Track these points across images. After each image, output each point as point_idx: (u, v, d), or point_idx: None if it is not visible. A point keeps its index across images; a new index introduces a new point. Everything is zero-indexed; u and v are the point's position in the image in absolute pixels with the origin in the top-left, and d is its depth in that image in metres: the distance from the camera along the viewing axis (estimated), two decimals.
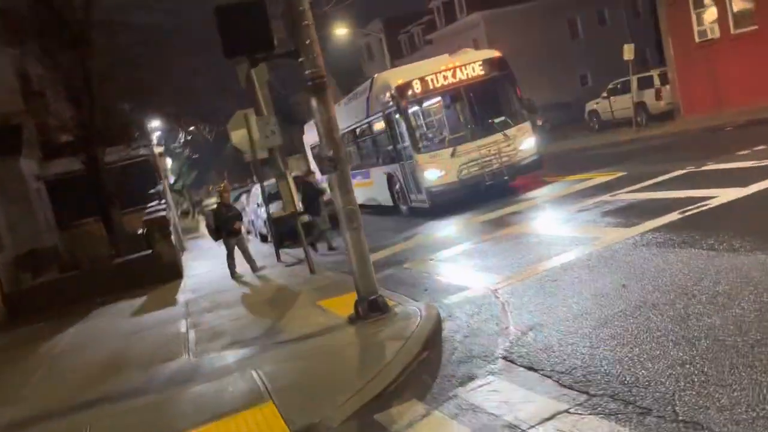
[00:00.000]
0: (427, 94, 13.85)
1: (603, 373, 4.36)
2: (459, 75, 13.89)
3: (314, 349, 6.51)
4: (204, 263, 17.53)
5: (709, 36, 20.47)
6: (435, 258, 10.08)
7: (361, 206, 17.69)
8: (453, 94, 14.23)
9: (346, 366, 5.82)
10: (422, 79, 13.80)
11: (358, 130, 17.96)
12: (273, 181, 20.98)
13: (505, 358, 5.19)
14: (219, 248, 22.45)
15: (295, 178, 13.71)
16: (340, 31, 40.24)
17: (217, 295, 11.39)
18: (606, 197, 10.83)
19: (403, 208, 15.75)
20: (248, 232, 24.22)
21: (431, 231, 12.77)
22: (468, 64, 13.98)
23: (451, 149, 13.72)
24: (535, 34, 40.00)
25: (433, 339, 6.03)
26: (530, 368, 4.83)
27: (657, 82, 24.46)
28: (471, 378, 4.97)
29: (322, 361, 6.12)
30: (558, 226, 9.96)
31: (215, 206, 14.26)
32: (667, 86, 23.45)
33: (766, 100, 18.36)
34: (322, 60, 6.72)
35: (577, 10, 43.37)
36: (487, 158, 13.68)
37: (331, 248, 13.68)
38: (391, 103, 14.14)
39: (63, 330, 11.15)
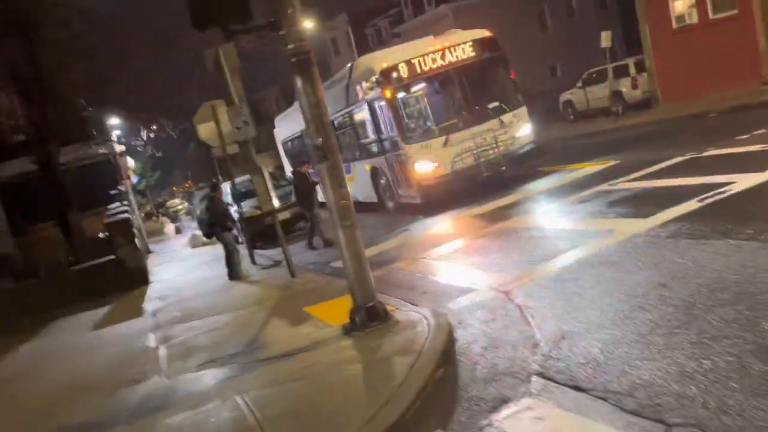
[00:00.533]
0: (415, 78, 12.96)
1: (675, 394, 3.60)
2: (448, 57, 13.04)
3: (307, 368, 5.62)
4: (172, 267, 16.43)
5: (687, 21, 20.10)
6: (429, 256, 9.27)
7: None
8: (443, 78, 13.35)
9: (348, 388, 4.96)
10: (409, 63, 12.92)
11: (336, 122, 16.97)
12: (243, 178, 20.08)
13: (540, 374, 4.40)
14: (186, 251, 21.46)
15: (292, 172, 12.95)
16: (306, 24, 39.05)
17: (188, 302, 10.39)
18: (604, 186, 10.18)
19: (390, 204, 14.87)
20: None
21: (422, 227, 11.96)
22: (458, 45, 13.15)
23: (443, 138, 12.86)
24: (505, 26, 39.38)
25: (448, 352, 5.21)
26: (576, 387, 4.05)
27: (633, 70, 24.07)
28: (504, 401, 4.17)
29: (318, 382, 5.24)
30: (561, 218, 9.24)
31: (208, 200, 13.09)
32: (644, 74, 23.07)
33: (746, 85, 18.06)
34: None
35: (545, 1, 43.12)
36: (483, 147, 12.88)
37: (328, 244, 12.73)
38: (375, 90, 13.24)
39: (16, 347, 10.02)
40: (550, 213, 9.86)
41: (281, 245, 10.43)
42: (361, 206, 16.47)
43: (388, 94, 12.77)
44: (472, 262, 8.27)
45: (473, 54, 13.24)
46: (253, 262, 13.67)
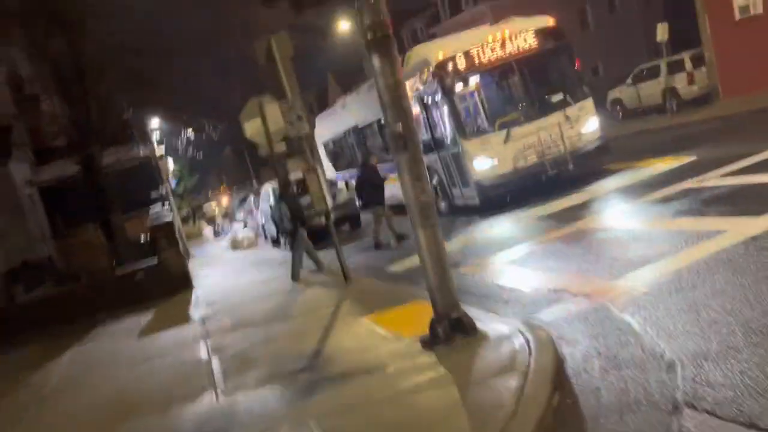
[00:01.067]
0: (473, 69, 12.17)
1: None
2: (509, 47, 12.24)
3: (388, 388, 4.89)
4: (214, 271, 15.93)
5: (752, 12, 18.89)
6: (497, 261, 8.48)
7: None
8: (503, 70, 12.53)
9: (445, 417, 4.20)
10: (467, 53, 12.15)
11: (383, 121, 16.35)
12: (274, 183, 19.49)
13: (691, 405, 3.58)
14: (228, 254, 21.01)
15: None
16: (344, 24, 38.74)
17: (238, 308, 9.78)
18: (690, 184, 9.25)
19: (442, 205, 14.08)
20: (257, 236, 22.66)
21: (482, 230, 11.18)
22: (518, 34, 12.33)
23: (504, 133, 12.05)
24: None
25: (559, 374, 4.43)
26: (750, 425, 3.23)
27: (689, 65, 22.88)
28: None
29: (407, 407, 4.49)
30: (648, 218, 8.33)
31: (282, 198, 12.34)
32: (702, 69, 21.88)
33: None
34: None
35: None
36: (548, 143, 12.03)
37: (400, 238, 12.12)
38: (429, 83, 12.51)
39: (58, 355, 9.52)
40: (632, 212, 8.96)
41: (335, 247, 9.71)
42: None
43: (444, 86, 12.02)
44: (551, 267, 7.45)
45: (535, 43, 12.42)
46: (301, 265, 13.02)
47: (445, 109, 12.49)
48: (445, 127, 12.79)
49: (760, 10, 18.55)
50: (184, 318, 10.03)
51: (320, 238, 17.36)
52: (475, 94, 12.99)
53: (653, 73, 23.90)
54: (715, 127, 15.72)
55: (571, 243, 8.19)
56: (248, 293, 11.00)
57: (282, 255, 16.66)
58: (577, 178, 12.40)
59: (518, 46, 12.32)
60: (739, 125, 14.92)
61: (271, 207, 18.20)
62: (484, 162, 12.14)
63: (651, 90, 23.87)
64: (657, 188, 9.64)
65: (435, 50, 12.60)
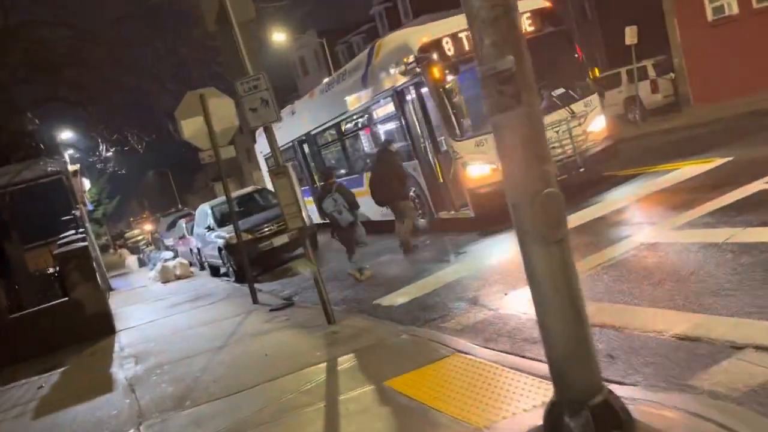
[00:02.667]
0: (464, 57, 10.10)
1: None
2: None
3: None
4: (143, 309, 13.00)
5: (726, 13, 17.92)
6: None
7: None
8: None
9: None
10: (455, 37, 10.08)
11: (344, 126, 14.03)
12: (220, 200, 16.74)
13: None
14: (156, 287, 17.86)
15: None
16: (278, 36, 36.35)
17: (182, 366, 7.08)
18: (761, 183, 7.41)
19: (421, 222, 11.88)
20: (191, 264, 19.71)
21: (480, 251, 9.01)
22: None
23: None
24: None
25: None
26: None
27: (651, 73, 21.88)
28: None
29: None
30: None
31: (329, 190, 9.92)
32: (668, 76, 20.88)
33: None
34: None
35: None
36: (554, 143, 10.06)
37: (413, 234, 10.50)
38: (410, 74, 10.33)
39: None
40: (692, 227, 6.93)
41: (317, 279, 7.22)
42: (375, 226, 13.51)
43: (430, 76, 9.86)
44: (637, 296, 5.33)
45: (532, 27, 10.50)
46: (255, 301, 10.43)
47: (431, 105, 10.34)
48: (430, 128, 10.64)
49: (735, 10, 17.57)
50: (105, 382, 7.23)
51: (266, 265, 14.87)
52: (467, 86, 10.93)
53: (614, 82, 22.85)
54: (699, 134, 14.33)
55: (640, 266, 6.12)
56: (193, 341, 8.31)
57: (224, 286, 13.96)
58: (581, 186, 10.51)
59: None
60: (738, 128, 13.53)
61: (209, 228, 15.47)
62: (481, 168, 10.03)
63: (612, 100, 22.73)
64: (702, 195, 7.74)
65: (416, 34, 10.46)
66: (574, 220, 8.78)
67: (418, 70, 10.08)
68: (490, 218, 10.14)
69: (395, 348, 5.71)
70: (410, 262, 10.01)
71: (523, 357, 4.63)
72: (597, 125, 10.78)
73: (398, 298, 7.87)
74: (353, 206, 9.73)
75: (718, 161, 9.57)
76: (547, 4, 10.92)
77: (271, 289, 12.29)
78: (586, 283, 5.92)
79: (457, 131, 10.11)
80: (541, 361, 4.36)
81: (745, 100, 17.24)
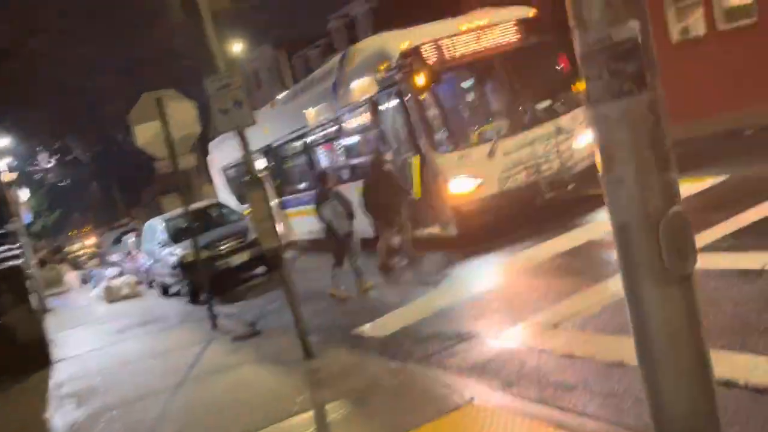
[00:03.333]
0: (446, 64, 9.42)
1: None
2: (487, 40, 9.64)
3: None
4: (85, 334, 11.74)
5: (691, 34, 17.93)
6: (561, 323, 5.54)
7: (302, 242, 12.63)
8: (481, 67, 9.93)
9: None
10: (437, 44, 9.38)
11: (310, 137, 13.14)
12: (176, 212, 15.52)
13: None
14: (102, 308, 16.39)
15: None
16: (236, 47, 35.30)
17: (137, 410, 6.02)
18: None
19: (395, 240, 11.06)
20: (139, 283, 18.34)
21: (467, 274, 8.28)
22: (497, 26, 9.78)
23: (487, 146, 9.32)
24: None
25: None
26: None
27: None
28: None
29: None
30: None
31: (332, 195, 9.22)
32: None
33: (763, 101, 15.89)
34: None
35: None
36: (542, 158, 9.45)
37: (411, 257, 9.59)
38: (388, 81, 9.59)
39: None
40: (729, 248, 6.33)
41: (293, 307, 6.29)
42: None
43: (412, 84, 9.11)
44: None
45: (518, 37, 9.91)
46: (215, 326, 9.40)
47: (411, 115, 9.60)
48: (410, 139, 9.89)
49: (701, 31, 17.58)
50: (39, 429, 6.09)
51: (222, 285, 13.71)
52: (450, 96, 10.29)
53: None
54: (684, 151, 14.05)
55: None
56: (146, 376, 7.23)
57: (178, 307, 12.80)
58: (576, 202, 9.95)
59: (498, 39, 9.76)
60: (718, 148, 13.32)
61: (161, 244, 14.28)
62: (465, 182, 9.33)
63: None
64: (717, 213, 7.23)
65: (395, 39, 9.72)
66: (566, 241, 8.17)
67: (398, 77, 9.33)
68: (473, 238, 9.48)
69: (394, 392, 4.86)
70: (390, 285, 9.18)
71: (563, 410, 3.85)
72: (584, 140, 10.24)
73: (383, 326, 7.03)
74: (351, 215, 9.13)
75: (712, 180, 9.13)
76: (532, 13, 10.38)
77: (230, 312, 11.24)
78: (609, 315, 5.24)
79: (440, 144, 9.39)
80: (589, 416, 3.61)
81: (712, 120, 17.23)
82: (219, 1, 5.82)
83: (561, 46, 10.34)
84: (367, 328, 7.16)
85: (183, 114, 8.62)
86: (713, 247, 6.19)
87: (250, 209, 6.10)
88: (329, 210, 9.02)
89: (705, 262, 5.68)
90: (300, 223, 14.51)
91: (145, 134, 8.65)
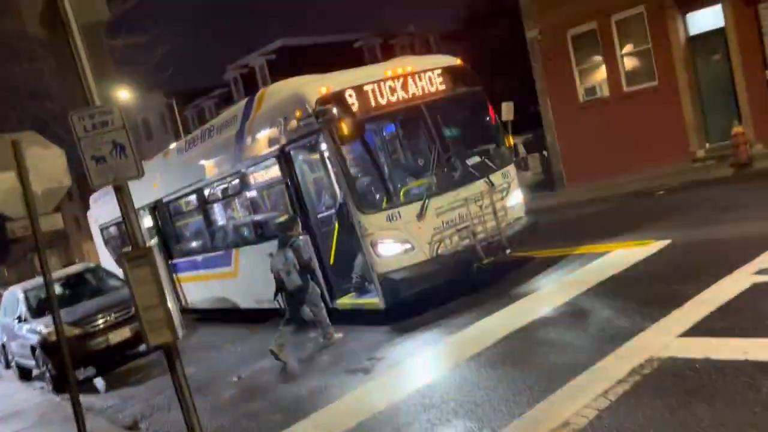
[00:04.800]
0: (370, 114, 8.27)
1: None
2: (413, 88, 8.62)
3: None
4: None
5: (597, 95, 18.22)
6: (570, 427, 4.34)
7: (197, 311, 11.07)
8: (408, 117, 8.92)
9: None
10: (360, 90, 8.22)
11: (209, 192, 11.49)
12: (37, 281, 13.15)
13: None
14: None
15: None
16: (121, 95, 32.85)
17: None
18: (747, 273, 6.23)
19: (307, 311, 9.60)
20: None
21: (401, 357, 6.97)
22: (423, 73, 8.81)
23: (416, 205, 8.17)
24: None
25: None
26: None
27: (522, 150, 21.92)
28: None
29: None
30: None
31: (289, 244, 8.43)
32: (544, 153, 20.89)
33: (669, 160, 16.25)
34: None
35: None
36: (476, 219, 8.44)
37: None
38: (304, 131, 8.30)
39: None
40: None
41: (185, 415, 4.66)
42: (247, 315, 11.06)
43: (334, 134, 7.86)
44: None
45: (445, 86, 9.01)
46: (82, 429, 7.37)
47: (331, 168, 8.36)
48: (329, 196, 8.64)
49: (606, 92, 17.88)
50: None
51: (99, 366, 11.52)
52: (375, 149, 9.17)
53: None
54: (600, 211, 13.77)
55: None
56: None
57: (38, 400, 10.48)
58: (506, 267, 9.02)
59: (424, 87, 8.81)
60: (647, 208, 13.04)
61: (20, 320, 11.87)
62: (393, 246, 8.11)
63: None
64: (682, 285, 6.44)
65: (313, 84, 8.50)
66: (509, 319, 7.11)
67: (316, 126, 8.08)
68: (402, 310, 8.24)
69: None
70: (308, 371, 7.64)
71: None
72: (516, 199, 9.43)
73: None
74: (306, 267, 8.29)
75: (657, 244, 8.49)
76: (458, 61, 9.60)
77: (106, 404, 9.23)
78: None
79: (364, 202, 8.16)
80: None
81: (617, 180, 17.32)
82: (93, 11, 4.33)
83: (486, 97, 9.65)
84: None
85: (47, 163, 6.82)
86: (703, 329, 5.28)
87: (131, 293, 4.48)
88: (279, 260, 8.17)
89: (704, 348, 4.80)
90: (195, 289, 12.67)
91: None
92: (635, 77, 17.21)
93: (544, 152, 20.58)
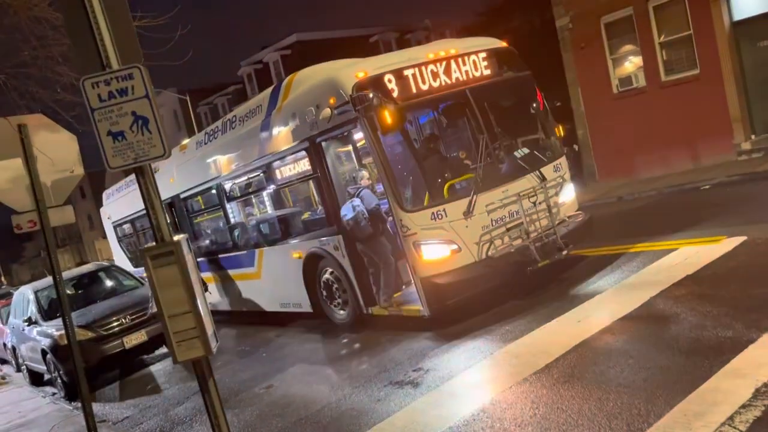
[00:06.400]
0: (412, 101, 7.48)
1: None
2: (457, 72, 7.82)
3: None
4: None
5: (634, 84, 17.30)
6: None
7: (217, 313, 10.35)
8: (453, 104, 8.10)
9: None
10: (400, 74, 7.43)
11: (229, 186, 10.75)
12: (46, 281, 12.45)
13: None
14: None
15: None
16: None
17: None
18: None
19: (340, 315, 8.86)
20: (3, 363, 14.84)
21: (451, 368, 6.17)
22: (468, 55, 8.02)
23: (463, 202, 7.37)
24: None
25: None
26: None
27: None
28: None
29: None
30: None
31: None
32: (574, 147, 19.97)
33: (711, 154, 15.37)
34: None
35: None
36: (529, 217, 7.64)
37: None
38: (339, 119, 7.52)
39: None
40: None
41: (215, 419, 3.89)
42: (273, 317, 10.34)
43: (374, 123, 7.07)
44: None
45: (491, 70, 8.21)
46: None
47: (369, 160, 7.57)
48: (366, 191, 7.85)
49: (642, 82, 16.96)
50: None
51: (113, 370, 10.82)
52: (416, 139, 8.39)
53: None
54: (648, 205, 12.90)
55: None
56: None
57: (49, 408, 9.80)
58: (563, 267, 8.20)
59: (470, 72, 8.00)
60: (696, 204, 12.17)
61: (30, 322, 11.19)
62: (438, 248, 7.31)
63: None
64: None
65: (348, 69, 7.70)
66: (570, 327, 6.30)
67: (353, 114, 7.29)
68: (448, 318, 7.45)
69: None
70: (342, 381, 6.86)
71: None
72: (569, 194, 8.61)
73: None
74: (374, 216, 7.88)
75: (729, 240, 7.64)
76: (503, 43, 8.78)
77: (122, 414, 8.52)
78: None
79: (407, 198, 7.37)
80: None
81: (654, 175, 16.47)
82: None
83: (535, 84, 8.84)
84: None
85: (58, 150, 6.11)
86: None
87: (154, 297, 3.73)
88: (348, 211, 7.78)
89: None
90: (215, 290, 11.96)
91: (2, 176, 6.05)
92: (675, 66, 16.28)
93: (574, 146, 19.66)
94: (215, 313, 12.35)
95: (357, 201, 7.66)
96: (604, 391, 4.70)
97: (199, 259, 12.38)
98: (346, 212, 7.70)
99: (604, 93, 17.82)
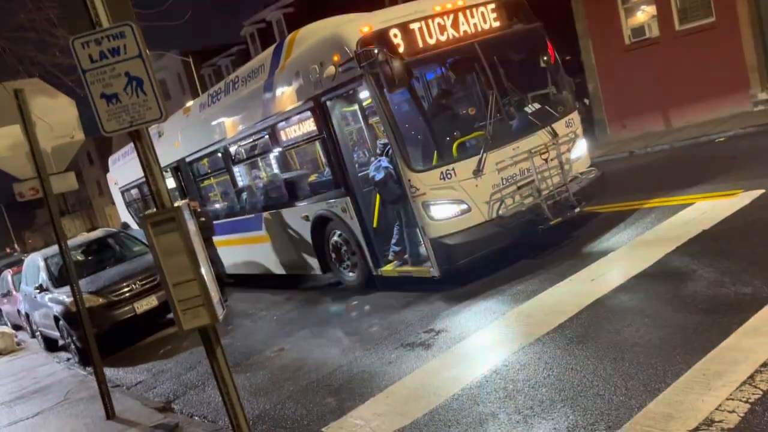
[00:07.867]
0: (418, 55, 7.24)
1: None
2: (465, 25, 7.55)
3: None
4: None
5: (646, 35, 16.79)
6: None
7: (230, 276, 10.19)
8: (462, 59, 7.85)
9: None
10: (406, 28, 7.18)
11: (233, 148, 10.59)
12: (53, 249, 12.41)
13: None
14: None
15: None
16: None
17: None
18: None
19: (350, 277, 8.79)
20: (18, 329, 15.02)
21: (463, 329, 6.10)
22: (476, 7, 7.73)
23: (473, 160, 7.19)
24: None
25: None
26: None
27: None
28: None
29: None
30: None
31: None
32: (585, 101, 19.56)
33: (727, 105, 14.97)
34: None
35: None
36: (540, 174, 7.47)
37: None
38: (344, 77, 7.30)
39: None
40: None
41: (226, 405, 3.85)
42: (283, 281, 10.31)
43: (380, 79, 6.85)
44: None
45: (500, 22, 7.91)
46: (111, 414, 6.71)
47: (385, 118, 7.37)
48: (373, 151, 7.69)
49: (656, 32, 16.46)
50: None
51: (126, 336, 10.86)
52: (424, 96, 8.16)
53: None
54: (657, 160, 12.64)
55: None
56: None
57: (63, 374, 9.90)
58: (575, 224, 8.05)
59: (478, 24, 7.71)
60: (714, 156, 11.91)
61: (41, 289, 11.22)
62: (447, 207, 7.17)
63: None
64: None
65: (353, 24, 7.44)
66: (584, 285, 6.18)
67: (359, 71, 7.06)
68: (459, 279, 7.36)
69: None
70: (353, 343, 6.82)
71: None
72: (581, 150, 8.40)
73: (372, 423, 4.70)
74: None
75: (747, 194, 7.44)
76: None
77: (136, 379, 8.58)
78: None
79: (415, 157, 7.20)
80: None
81: (668, 127, 16.16)
82: None
83: (546, 36, 8.53)
84: (345, 425, 4.82)
85: (57, 115, 5.97)
86: None
87: (158, 266, 3.62)
88: (376, 171, 7.47)
89: None
90: (223, 254, 11.90)
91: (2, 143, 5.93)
92: (689, 14, 15.75)
93: (585, 100, 19.24)
94: (227, 277, 12.43)
95: (384, 160, 7.36)
96: (619, 351, 4.60)
97: None
98: (375, 173, 7.40)
99: (616, 44, 17.33)
